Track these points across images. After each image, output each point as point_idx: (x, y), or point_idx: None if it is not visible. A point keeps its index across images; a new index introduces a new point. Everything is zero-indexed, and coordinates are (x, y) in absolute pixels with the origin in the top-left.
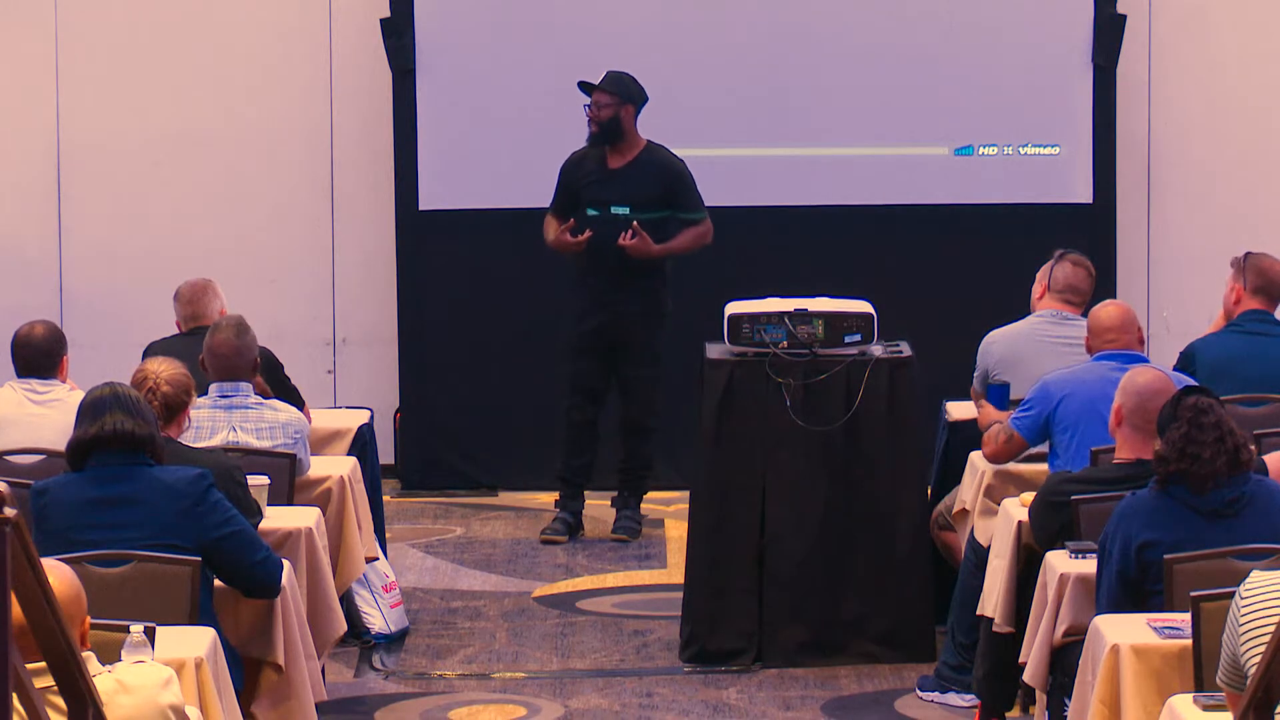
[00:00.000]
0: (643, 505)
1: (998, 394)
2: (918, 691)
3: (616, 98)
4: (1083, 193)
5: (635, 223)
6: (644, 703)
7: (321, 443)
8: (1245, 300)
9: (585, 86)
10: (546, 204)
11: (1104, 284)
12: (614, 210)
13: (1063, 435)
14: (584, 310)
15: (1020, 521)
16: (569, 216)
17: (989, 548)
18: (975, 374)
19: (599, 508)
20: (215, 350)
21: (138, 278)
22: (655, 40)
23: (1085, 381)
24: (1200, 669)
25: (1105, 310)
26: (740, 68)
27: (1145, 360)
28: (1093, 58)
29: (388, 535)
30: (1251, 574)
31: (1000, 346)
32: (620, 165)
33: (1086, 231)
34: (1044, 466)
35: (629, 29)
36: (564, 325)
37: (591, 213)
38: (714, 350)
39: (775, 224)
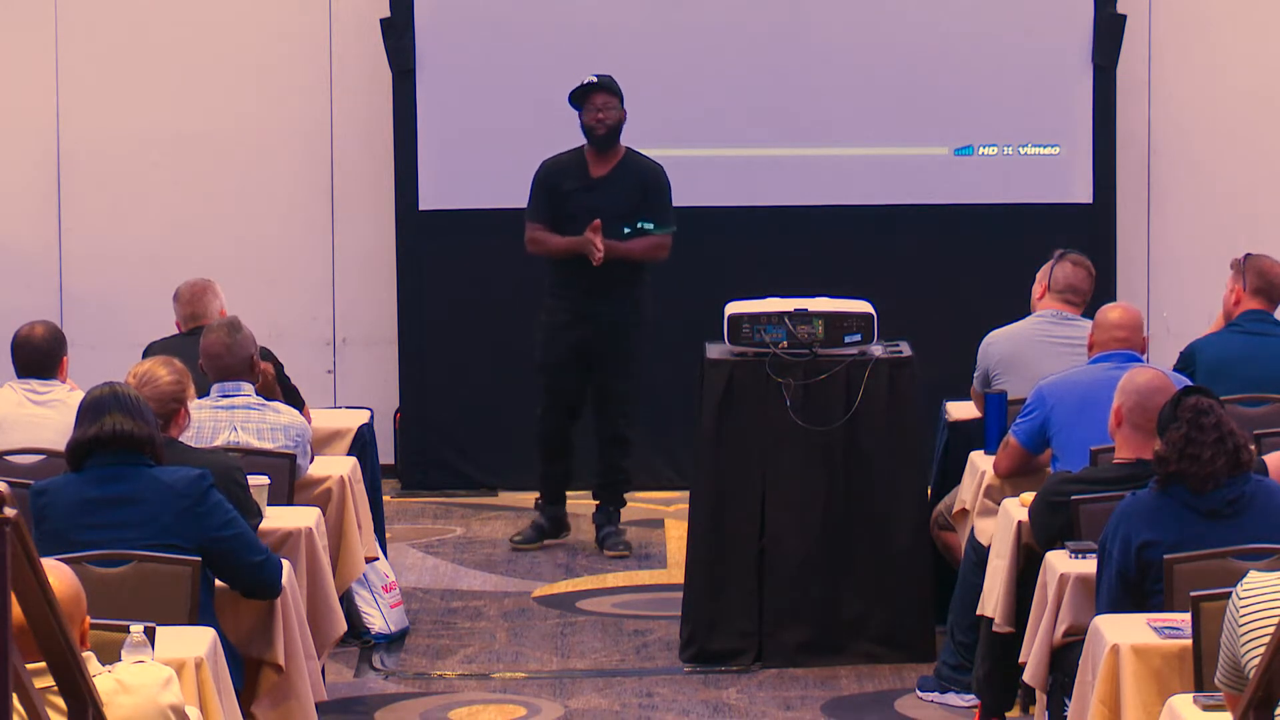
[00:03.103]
0: (643, 505)
1: (996, 403)
2: (918, 692)
3: (618, 99)
4: (1083, 193)
5: (597, 221)
6: (644, 703)
7: (321, 443)
8: (1245, 301)
9: (587, 89)
10: None
11: (1104, 284)
12: (624, 229)
13: (1058, 437)
14: (563, 322)
15: (1020, 521)
16: (553, 224)
17: (989, 547)
18: (975, 374)
19: (590, 506)
20: (209, 351)
21: (138, 278)
22: (655, 40)
23: (1079, 383)
24: (1200, 669)
25: (1116, 310)
26: (740, 68)
27: (1142, 363)
28: (1093, 58)
29: (388, 535)
30: (1249, 574)
31: (1000, 347)
32: (604, 173)
33: (1086, 231)
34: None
35: (629, 29)
36: None
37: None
38: (714, 350)
39: (775, 224)
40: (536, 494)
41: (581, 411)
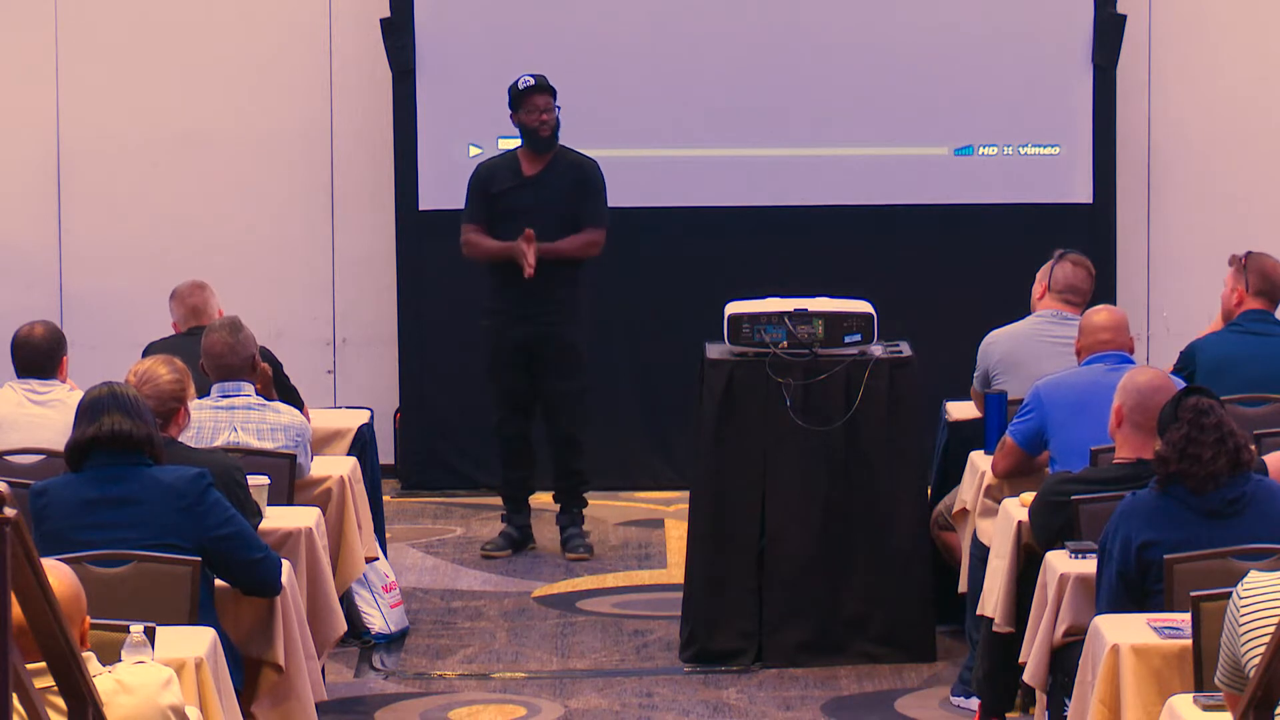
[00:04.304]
0: (643, 505)
1: (996, 403)
2: (951, 697)
3: (555, 98)
4: (1083, 193)
5: (530, 230)
6: (644, 703)
7: (321, 443)
8: (1247, 301)
9: (527, 91)
10: None
11: (1104, 284)
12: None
13: (1055, 438)
14: (503, 325)
15: (1020, 521)
16: (488, 225)
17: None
18: (975, 374)
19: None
20: (210, 351)
21: (138, 278)
22: (655, 41)
23: (1075, 385)
24: (1200, 669)
25: (1101, 313)
26: (740, 68)
27: (1134, 364)
28: (1093, 58)
29: (388, 535)
30: (1249, 574)
31: (1000, 347)
32: (536, 171)
33: (1086, 231)
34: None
35: (628, 29)
36: None
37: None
38: (714, 350)
39: (775, 224)
40: (543, 495)
41: (534, 410)
